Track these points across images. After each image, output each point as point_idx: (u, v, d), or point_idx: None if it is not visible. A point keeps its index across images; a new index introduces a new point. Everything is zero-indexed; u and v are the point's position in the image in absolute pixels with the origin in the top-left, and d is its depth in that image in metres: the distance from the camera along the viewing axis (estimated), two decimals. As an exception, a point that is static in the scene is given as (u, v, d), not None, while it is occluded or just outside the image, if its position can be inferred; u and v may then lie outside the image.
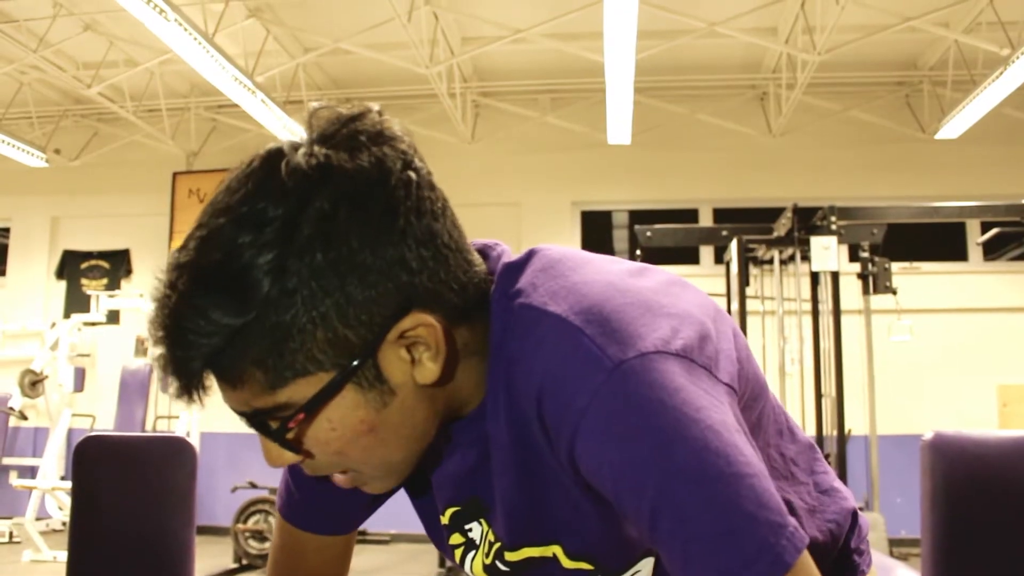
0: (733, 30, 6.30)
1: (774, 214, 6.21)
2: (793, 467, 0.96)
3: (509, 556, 0.89)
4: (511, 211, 8.04)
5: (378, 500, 1.06)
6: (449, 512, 0.93)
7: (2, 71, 6.96)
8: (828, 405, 5.80)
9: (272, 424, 0.77)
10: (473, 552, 0.94)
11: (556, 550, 0.87)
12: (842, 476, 5.55)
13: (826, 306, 5.82)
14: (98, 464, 2.11)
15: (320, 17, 6.60)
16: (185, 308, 0.72)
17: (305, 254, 0.71)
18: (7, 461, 7.75)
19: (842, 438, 5.60)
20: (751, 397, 0.88)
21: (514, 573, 0.91)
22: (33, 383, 7.38)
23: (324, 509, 1.05)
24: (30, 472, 7.55)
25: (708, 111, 7.74)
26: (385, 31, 6.22)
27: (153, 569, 2.07)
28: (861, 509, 4.52)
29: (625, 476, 0.73)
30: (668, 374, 0.74)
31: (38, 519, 6.63)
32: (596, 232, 8.37)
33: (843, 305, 5.70)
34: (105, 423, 7.68)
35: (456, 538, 0.94)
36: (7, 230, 8.75)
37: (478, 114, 8.19)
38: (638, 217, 8.00)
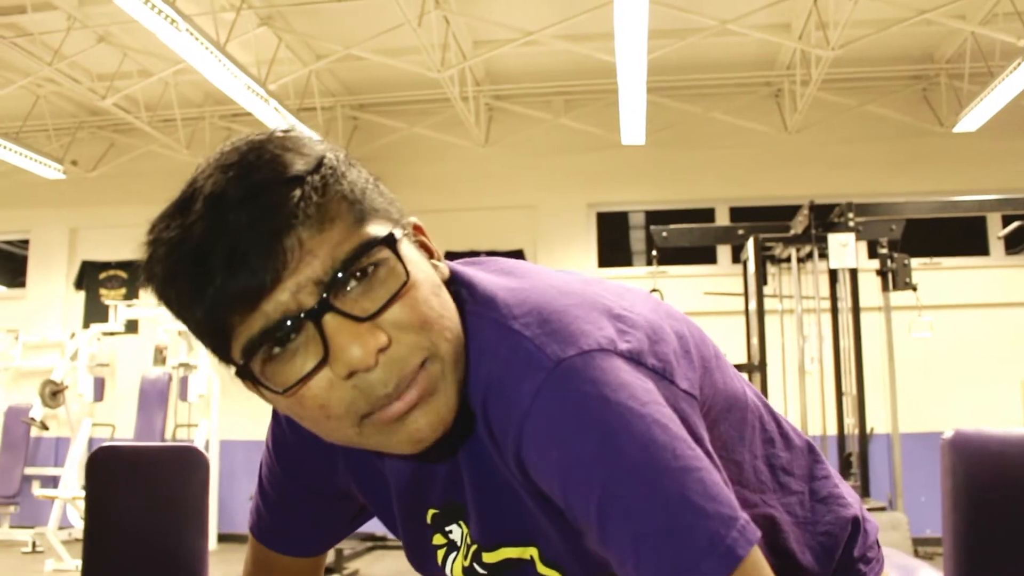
0: (745, 27, 6.26)
1: (791, 212, 6.16)
2: (784, 476, 0.94)
3: (487, 557, 0.89)
4: (527, 214, 8.03)
5: (349, 526, 1.11)
6: (430, 513, 0.93)
7: (18, 84, 7.00)
8: (849, 404, 5.75)
9: (370, 261, 0.74)
10: (454, 554, 0.93)
11: (533, 552, 0.86)
12: (864, 475, 5.49)
13: (845, 304, 5.77)
14: (111, 474, 2.12)
15: (331, 24, 6.61)
16: (275, 159, 0.74)
17: (339, 164, 0.77)
18: (29, 471, 7.80)
19: (863, 437, 5.55)
20: (724, 408, 0.87)
21: None
22: (54, 393, 7.42)
23: (293, 532, 1.08)
24: (52, 482, 7.59)
25: (722, 109, 7.69)
26: (396, 36, 6.22)
27: (167, 579, 2.07)
28: (883, 509, 4.40)
29: (571, 476, 0.72)
30: (611, 371, 0.73)
31: (60, 528, 6.67)
32: (612, 233, 8.33)
33: (862, 302, 5.65)
34: (125, 432, 7.72)
35: (438, 538, 0.94)
36: (26, 242, 8.82)
37: (492, 117, 8.18)
38: (655, 217, 7.97)
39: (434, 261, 0.83)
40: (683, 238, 6.46)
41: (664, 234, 6.29)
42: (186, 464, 2.10)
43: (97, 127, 8.42)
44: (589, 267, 7.94)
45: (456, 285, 0.84)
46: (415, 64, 6.60)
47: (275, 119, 6.67)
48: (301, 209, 0.71)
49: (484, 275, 0.86)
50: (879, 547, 1.02)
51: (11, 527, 7.54)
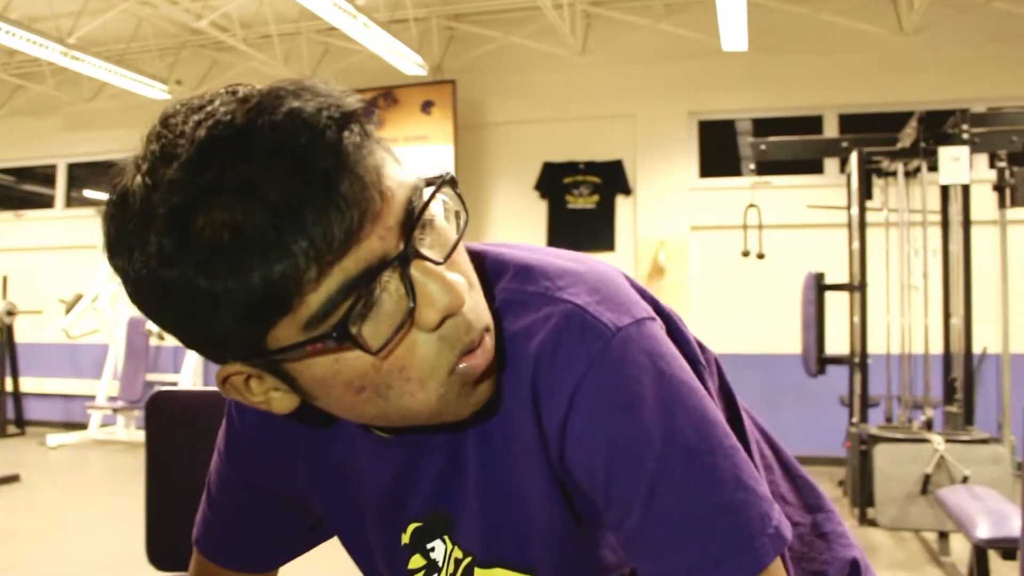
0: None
1: (907, 119, 5.80)
2: (784, 507, 0.87)
3: (480, 574, 0.82)
4: (626, 123, 7.83)
5: (304, 542, 1.01)
6: (411, 528, 0.85)
7: (120, 8, 7.14)
8: (956, 324, 5.48)
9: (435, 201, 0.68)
10: None
11: None
12: (969, 402, 5.27)
13: (956, 218, 5.45)
14: (167, 419, 2.19)
15: (420, -66, 6.46)
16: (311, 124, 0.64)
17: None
18: (151, 377, 8.27)
19: (969, 360, 5.29)
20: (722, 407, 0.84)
21: None
22: (167, 307, 7.76)
23: (241, 543, 0.98)
24: (172, 387, 8.01)
25: (832, 10, 7.23)
26: (485, -55, 6.04)
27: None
28: (985, 442, 4.14)
29: (623, 448, 0.70)
30: (664, 341, 0.74)
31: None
32: (715, 142, 8.03)
33: (977, 215, 5.31)
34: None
35: (416, 561, 0.86)
36: (138, 161, 9.12)
37: (589, 24, 7.92)
38: (761, 126, 7.65)
39: None
40: (783, 151, 6.16)
41: (763, 147, 6.02)
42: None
43: (199, 46, 8.53)
44: (690, 177, 7.72)
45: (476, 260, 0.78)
46: (506, -27, 6.41)
47: (365, 35, 6.62)
48: (359, 155, 0.63)
49: (503, 248, 0.81)
50: None
51: (137, 428, 8.04)
